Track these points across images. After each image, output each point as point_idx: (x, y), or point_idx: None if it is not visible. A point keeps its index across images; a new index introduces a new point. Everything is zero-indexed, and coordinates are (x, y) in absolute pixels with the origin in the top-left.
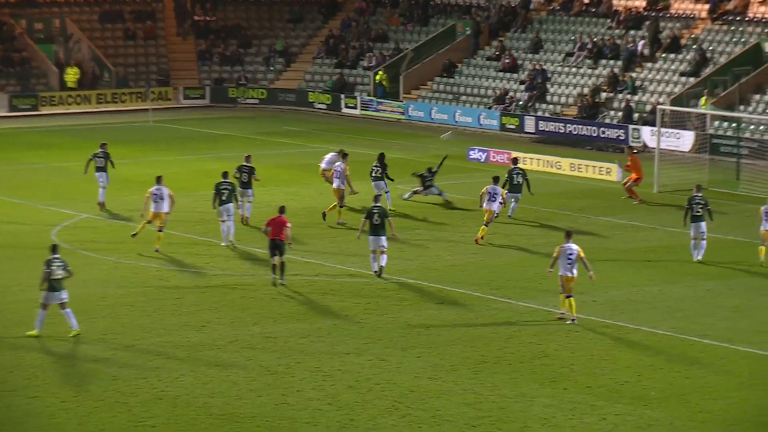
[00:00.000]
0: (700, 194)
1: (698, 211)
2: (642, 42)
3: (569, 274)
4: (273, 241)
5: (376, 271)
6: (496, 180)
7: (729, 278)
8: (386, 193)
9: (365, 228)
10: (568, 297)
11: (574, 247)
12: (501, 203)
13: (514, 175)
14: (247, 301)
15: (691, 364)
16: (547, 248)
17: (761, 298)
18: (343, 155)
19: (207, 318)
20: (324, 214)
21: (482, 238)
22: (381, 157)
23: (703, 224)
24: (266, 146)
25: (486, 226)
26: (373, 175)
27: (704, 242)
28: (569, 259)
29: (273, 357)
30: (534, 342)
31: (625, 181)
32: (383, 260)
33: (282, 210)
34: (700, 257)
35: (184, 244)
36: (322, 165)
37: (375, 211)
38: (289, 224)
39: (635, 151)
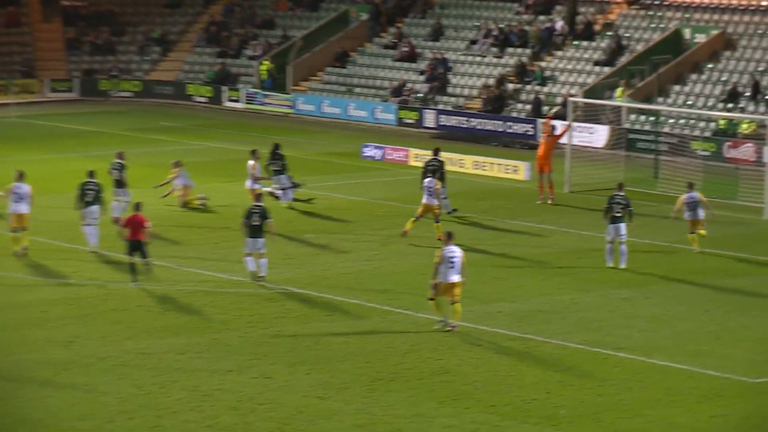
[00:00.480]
0: (621, 193)
1: (618, 212)
2: (560, 23)
3: (452, 280)
4: (131, 242)
5: (253, 271)
6: (433, 173)
7: (646, 286)
8: (290, 189)
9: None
10: (453, 303)
11: (457, 250)
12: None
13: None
14: (119, 314)
15: (604, 380)
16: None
17: (680, 307)
18: (252, 152)
19: (75, 332)
20: None
21: (407, 231)
22: (276, 148)
23: (623, 226)
24: (141, 143)
25: (416, 219)
26: (273, 169)
27: (624, 247)
28: (451, 263)
29: (147, 375)
30: (433, 357)
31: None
32: (263, 265)
33: (138, 207)
34: (623, 265)
35: (49, 251)
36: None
37: (255, 211)
38: (147, 223)
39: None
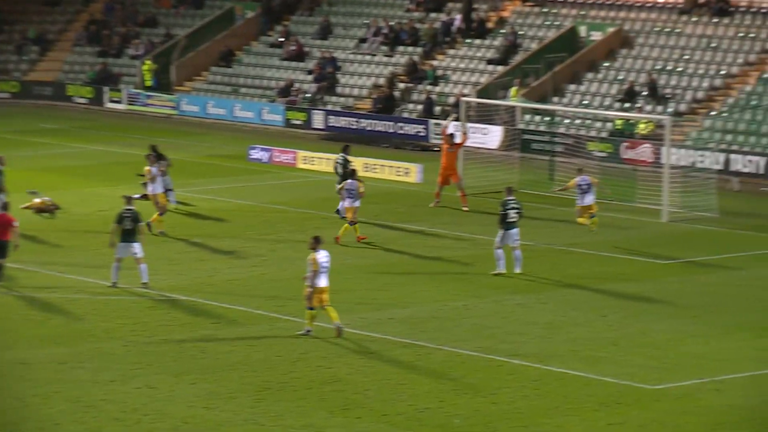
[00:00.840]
0: (513, 198)
1: (513, 217)
2: (459, 17)
3: (322, 285)
4: None
5: (115, 281)
6: (352, 174)
7: (541, 291)
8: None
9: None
10: (324, 308)
11: (326, 255)
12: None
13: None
14: None
15: (499, 388)
16: (340, 259)
17: (576, 313)
18: (156, 155)
19: None
20: (149, 225)
21: (340, 237)
22: (154, 149)
23: (517, 231)
24: (19, 147)
25: (351, 224)
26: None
27: (519, 252)
28: (324, 268)
29: (27, 386)
30: (323, 365)
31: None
32: (144, 272)
33: (5, 207)
34: (518, 269)
35: None
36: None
37: (127, 215)
38: (15, 223)
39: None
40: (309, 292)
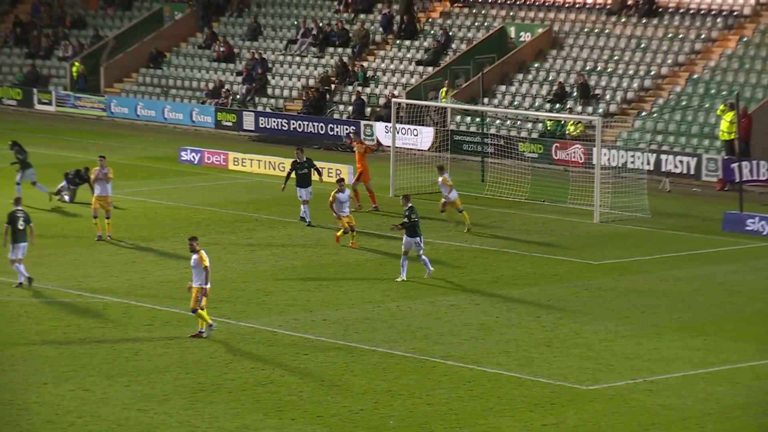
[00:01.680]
0: (410, 204)
1: (414, 223)
2: (396, 7)
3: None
4: None
5: (21, 283)
6: (341, 182)
7: (474, 292)
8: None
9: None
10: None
11: (194, 257)
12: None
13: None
14: None
15: (433, 390)
16: (272, 261)
17: (509, 314)
18: (100, 158)
19: None
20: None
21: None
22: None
23: (421, 238)
24: None
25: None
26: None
27: (425, 257)
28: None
29: None
30: (257, 367)
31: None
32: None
33: None
34: (428, 275)
35: None
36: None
37: (19, 215)
38: None
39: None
40: (197, 297)
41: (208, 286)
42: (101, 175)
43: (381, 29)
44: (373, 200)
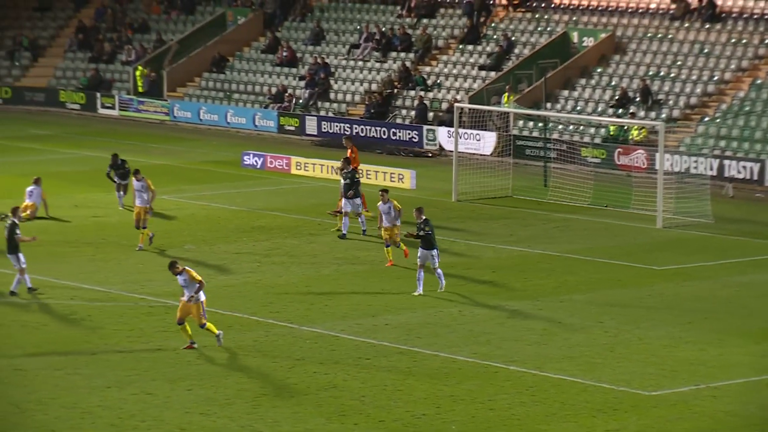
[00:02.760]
0: (425, 218)
1: (428, 237)
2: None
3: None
4: None
5: (13, 292)
6: (384, 192)
7: (536, 297)
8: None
9: None
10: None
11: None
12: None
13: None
14: None
15: (495, 394)
16: (335, 265)
17: (572, 319)
18: (135, 172)
19: None
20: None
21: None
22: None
23: (436, 251)
24: (11, 152)
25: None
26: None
27: (440, 270)
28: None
29: (23, 393)
30: (320, 372)
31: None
32: (19, 282)
33: None
34: (442, 288)
35: None
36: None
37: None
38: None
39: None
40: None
41: (204, 298)
42: (139, 186)
43: (465, 16)
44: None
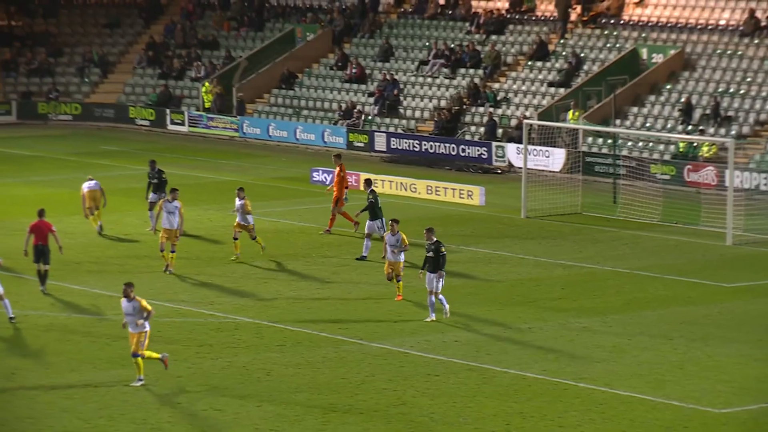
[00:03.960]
0: (435, 238)
1: (433, 258)
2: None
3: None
4: (37, 247)
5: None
6: (395, 222)
7: (606, 314)
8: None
9: None
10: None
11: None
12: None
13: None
14: (62, 345)
15: (565, 411)
16: (404, 281)
17: (641, 336)
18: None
19: (16, 365)
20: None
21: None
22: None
23: (439, 276)
24: (81, 168)
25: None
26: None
27: (442, 297)
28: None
29: (93, 408)
30: (389, 388)
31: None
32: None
33: (41, 213)
34: (446, 314)
35: None
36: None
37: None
38: (54, 228)
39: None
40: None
41: (148, 328)
42: (171, 208)
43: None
44: (330, 224)
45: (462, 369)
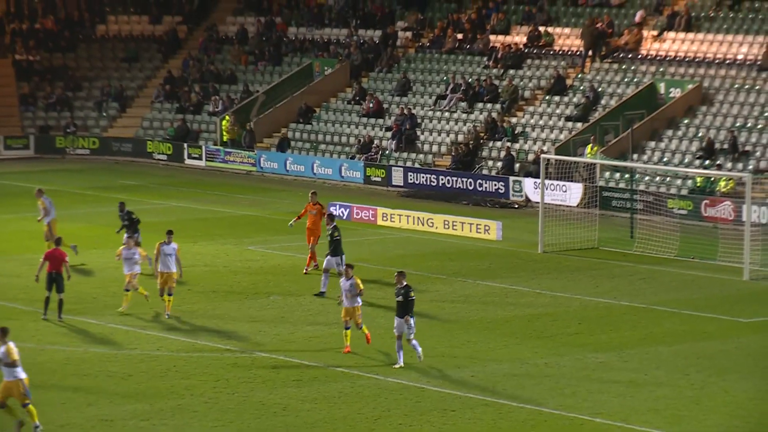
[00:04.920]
0: (405, 282)
1: (402, 303)
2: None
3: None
4: (50, 275)
5: None
6: (349, 267)
7: (622, 349)
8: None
9: None
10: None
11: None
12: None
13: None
14: (79, 380)
15: None
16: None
17: (658, 371)
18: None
19: (33, 399)
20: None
21: None
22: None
23: (412, 319)
24: (99, 202)
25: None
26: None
27: (415, 341)
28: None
29: None
30: (405, 423)
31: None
32: None
33: (58, 242)
34: (419, 358)
35: (5, 313)
36: None
37: None
38: (67, 258)
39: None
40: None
41: (24, 376)
42: (169, 250)
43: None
44: (308, 263)
45: (478, 404)
